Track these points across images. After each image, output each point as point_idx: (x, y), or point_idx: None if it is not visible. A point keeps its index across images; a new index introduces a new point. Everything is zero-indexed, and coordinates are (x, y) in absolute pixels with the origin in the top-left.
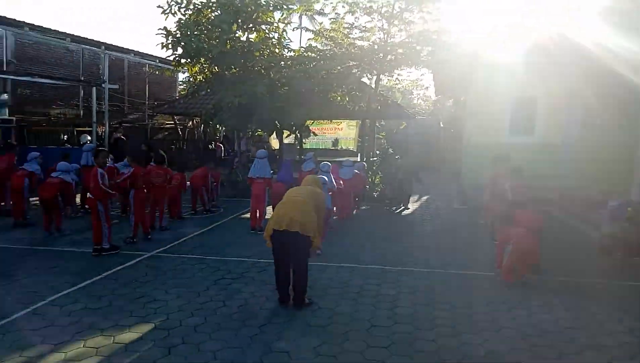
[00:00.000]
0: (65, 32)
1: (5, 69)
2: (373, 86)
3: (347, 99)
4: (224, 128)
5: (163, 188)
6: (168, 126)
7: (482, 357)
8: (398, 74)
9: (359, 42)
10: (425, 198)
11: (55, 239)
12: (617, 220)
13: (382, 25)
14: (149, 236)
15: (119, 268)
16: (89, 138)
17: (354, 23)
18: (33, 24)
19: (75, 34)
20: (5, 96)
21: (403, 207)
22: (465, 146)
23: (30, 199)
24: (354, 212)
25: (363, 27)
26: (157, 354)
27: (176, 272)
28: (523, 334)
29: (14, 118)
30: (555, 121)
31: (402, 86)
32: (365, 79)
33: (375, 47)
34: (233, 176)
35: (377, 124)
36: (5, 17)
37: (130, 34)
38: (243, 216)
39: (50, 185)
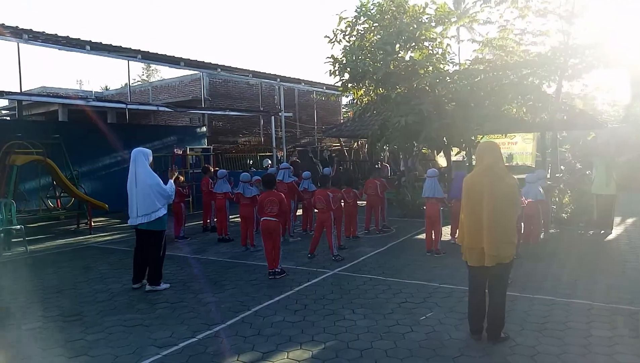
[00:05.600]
0: (247, 69)
1: (203, 105)
2: (553, 94)
3: (524, 110)
4: (387, 148)
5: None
6: (334, 147)
7: None
8: (584, 80)
9: (533, 49)
10: (631, 220)
11: (251, 253)
12: None
13: (561, 26)
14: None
15: (307, 284)
16: (270, 161)
17: (525, 28)
18: (224, 65)
19: (256, 69)
20: (204, 128)
21: (604, 232)
22: None
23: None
24: (541, 236)
25: (538, 31)
26: None
27: (359, 292)
28: None
29: (212, 147)
30: None
31: (581, 91)
32: (544, 87)
33: (549, 53)
34: (401, 195)
35: (559, 136)
36: (203, 61)
37: (299, 64)
38: (416, 236)
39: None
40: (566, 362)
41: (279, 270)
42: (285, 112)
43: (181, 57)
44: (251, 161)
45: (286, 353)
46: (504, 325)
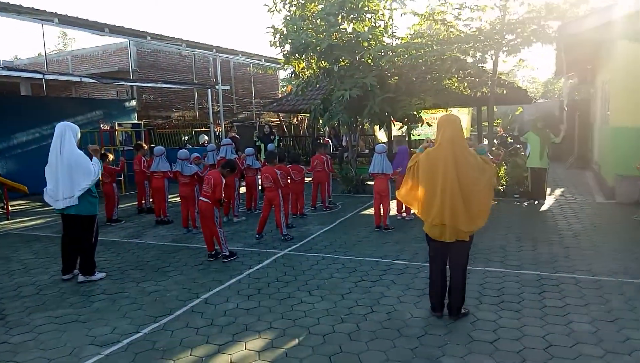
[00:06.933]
0: (181, 39)
1: (131, 77)
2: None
3: (464, 85)
4: (331, 123)
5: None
6: (273, 123)
7: None
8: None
9: (471, 24)
10: (559, 190)
11: (194, 236)
12: None
13: (497, 2)
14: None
15: (258, 266)
16: (207, 137)
17: (464, 3)
18: (154, 33)
19: (190, 39)
20: (133, 102)
21: (538, 202)
22: (603, 131)
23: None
24: None
25: (475, 6)
26: (319, 362)
27: (314, 272)
28: None
29: (142, 122)
30: None
31: (513, 68)
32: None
33: (491, 26)
34: (344, 170)
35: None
36: (130, 28)
37: (235, 35)
38: (363, 212)
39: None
40: (527, 334)
41: (227, 254)
42: (222, 85)
43: (105, 23)
44: (187, 137)
45: (244, 344)
46: (464, 301)
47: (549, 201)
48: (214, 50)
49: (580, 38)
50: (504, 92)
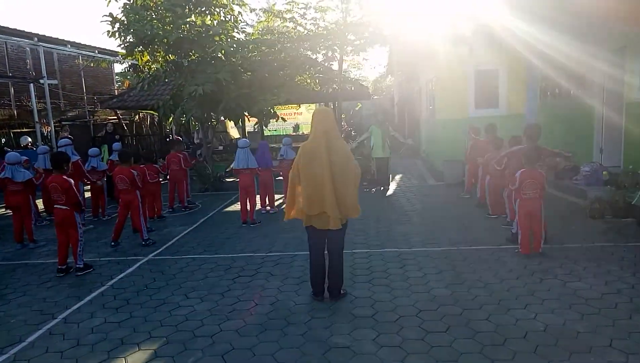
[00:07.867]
0: None
1: None
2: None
3: (316, 81)
4: (183, 120)
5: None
6: (111, 121)
7: (543, 332)
8: (364, 55)
9: (320, 23)
10: (398, 176)
11: (32, 250)
12: (593, 185)
13: (339, 4)
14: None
15: (121, 276)
16: (30, 139)
17: (309, 3)
18: None
19: (2, 25)
20: None
21: (383, 188)
22: (429, 123)
23: None
24: None
25: (319, 7)
26: None
27: (186, 274)
28: (568, 304)
29: None
30: (517, 93)
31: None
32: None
33: (334, 27)
34: (201, 168)
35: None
36: None
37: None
38: (225, 209)
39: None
40: (399, 305)
41: (82, 266)
42: (47, 79)
43: None
44: (3, 140)
45: (123, 360)
46: (343, 282)
47: (392, 186)
48: (36, 38)
49: (409, 41)
50: (352, 88)
